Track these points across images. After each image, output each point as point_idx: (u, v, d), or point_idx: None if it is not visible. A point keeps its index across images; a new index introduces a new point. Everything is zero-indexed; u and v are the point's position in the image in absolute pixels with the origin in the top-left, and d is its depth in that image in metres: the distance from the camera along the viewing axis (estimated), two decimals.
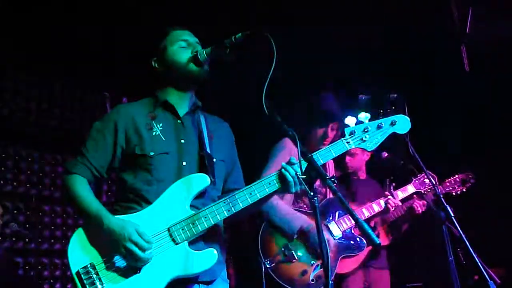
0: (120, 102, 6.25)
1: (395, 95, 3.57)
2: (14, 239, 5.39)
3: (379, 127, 2.61)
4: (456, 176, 4.58)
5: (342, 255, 3.91)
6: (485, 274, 3.10)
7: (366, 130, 2.61)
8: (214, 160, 2.69)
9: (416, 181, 4.39)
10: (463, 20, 4.96)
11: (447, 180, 4.59)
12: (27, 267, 5.50)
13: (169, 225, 2.48)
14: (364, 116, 2.63)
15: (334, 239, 3.88)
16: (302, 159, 2.32)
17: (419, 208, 4.49)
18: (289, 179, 2.50)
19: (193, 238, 2.49)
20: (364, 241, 3.99)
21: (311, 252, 3.66)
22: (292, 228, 3.66)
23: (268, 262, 3.58)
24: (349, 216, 3.95)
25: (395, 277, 4.78)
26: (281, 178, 2.54)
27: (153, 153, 2.58)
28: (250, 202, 2.54)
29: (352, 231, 4.01)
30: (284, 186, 2.54)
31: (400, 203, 4.28)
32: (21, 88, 5.73)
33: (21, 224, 5.42)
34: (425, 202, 4.43)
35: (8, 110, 5.58)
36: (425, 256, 5.86)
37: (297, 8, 5.09)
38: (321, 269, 3.61)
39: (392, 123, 2.62)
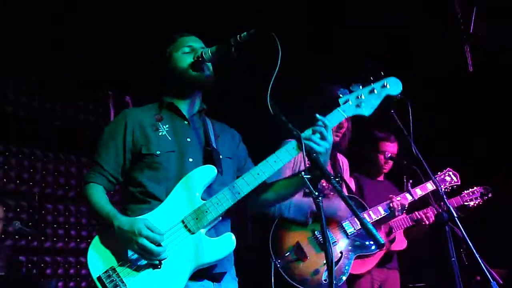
0: (123, 100, 6.27)
1: (398, 95, 3.57)
2: (17, 237, 5.41)
3: (371, 91, 2.64)
4: (475, 188, 4.57)
5: (357, 254, 3.83)
6: (488, 274, 3.09)
7: (359, 97, 2.63)
8: (221, 156, 2.73)
9: (436, 179, 4.32)
10: (467, 20, 4.96)
11: (465, 192, 4.57)
12: (29, 265, 5.51)
13: (183, 217, 2.51)
14: (355, 84, 2.65)
15: (348, 237, 3.81)
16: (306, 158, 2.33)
17: (425, 220, 4.41)
18: (312, 137, 2.53)
19: (208, 226, 2.52)
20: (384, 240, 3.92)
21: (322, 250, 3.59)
22: (304, 213, 3.62)
23: (279, 261, 3.52)
24: (365, 215, 3.92)
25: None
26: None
27: (159, 152, 2.62)
28: (259, 182, 2.57)
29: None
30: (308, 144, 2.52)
31: (405, 203, 4.19)
32: (24, 87, 5.74)
33: (24, 222, 5.43)
34: (429, 214, 4.39)
35: (11, 108, 5.59)
36: (428, 257, 5.86)
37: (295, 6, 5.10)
38: (334, 269, 3.55)
39: (384, 86, 2.65)
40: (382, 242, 2.22)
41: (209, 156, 2.67)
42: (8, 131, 5.55)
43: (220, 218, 2.57)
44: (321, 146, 2.55)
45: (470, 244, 3.08)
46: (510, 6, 4.91)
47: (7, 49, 5.25)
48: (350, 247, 3.81)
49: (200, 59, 2.68)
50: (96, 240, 2.52)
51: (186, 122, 2.76)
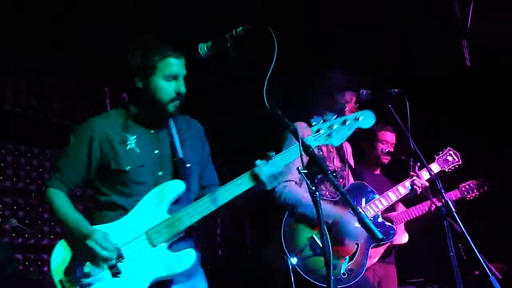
0: (119, 97, 6.24)
1: (396, 90, 3.57)
2: (13, 234, 5.39)
3: (344, 123, 2.65)
4: (471, 181, 4.60)
5: (373, 244, 3.67)
6: (486, 269, 3.09)
7: (331, 127, 2.63)
8: (188, 165, 2.75)
9: (440, 159, 4.32)
10: (465, 15, 4.95)
11: (461, 185, 4.60)
12: (27, 263, 5.50)
13: (147, 229, 2.56)
14: (330, 113, 2.67)
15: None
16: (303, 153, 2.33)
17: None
18: (262, 176, 2.57)
19: (171, 240, 2.58)
20: (394, 227, 3.84)
21: (338, 244, 3.46)
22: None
23: (295, 258, 3.36)
24: (376, 202, 3.82)
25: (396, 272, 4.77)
26: (254, 176, 2.60)
27: (129, 167, 2.65)
28: (224, 202, 2.61)
29: (381, 218, 3.84)
30: (257, 182, 2.60)
31: (427, 184, 4.06)
32: (21, 84, 5.72)
33: (21, 220, 5.42)
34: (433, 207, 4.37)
35: (8, 106, 5.57)
36: (426, 252, 5.86)
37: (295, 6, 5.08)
38: (352, 262, 3.48)
39: (357, 119, 2.66)
40: (380, 236, 2.23)
41: (178, 169, 2.70)
42: (5, 128, 5.53)
43: (182, 234, 2.62)
44: (270, 184, 2.61)
45: (469, 239, 3.07)
46: (508, 3, 4.91)
47: (3, 47, 5.23)
48: (366, 237, 3.62)
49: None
50: (61, 244, 2.59)
51: (152, 131, 2.78)
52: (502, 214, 5.83)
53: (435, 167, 4.28)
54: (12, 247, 5.25)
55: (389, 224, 3.90)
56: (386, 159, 4.74)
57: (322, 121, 2.62)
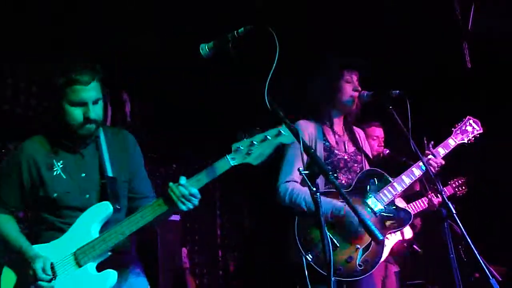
0: (120, 97, 6.25)
1: (397, 91, 3.55)
2: None
3: (263, 140, 2.62)
4: (459, 178, 4.60)
5: (388, 232, 3.61)
6: (487, 271, 3.08)
7: (251, 144, 2.62)
8: (118, 183, 2.79)
9: (457, 131, 3.91)
10: (465, 17, 4.96)
11: (451, 182, 4.60)
12: None
13: (74, 250, 2.66)
14: (256, 130, 2.64)
15: (376, 215, 3.52)
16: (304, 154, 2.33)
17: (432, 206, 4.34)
18: (174, 198, 2.58)
19: (98, 260, 2.67)
20: (411, 213, 3.71)
21: (351, 235, 3.38)
22: (325, 213, 3.35)
23: (309, 254, 3.30)
24: (389, 188, 3.61)
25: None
26: (167, 198, 2.61)
27: (56, 194, 2.71)
28: (142, 225, 2.65)
29: (395, 203, 3.67)
30: (172, 205, 2.62)
31: (443, 162, 3.76)
32: (21, 85, 5.72)
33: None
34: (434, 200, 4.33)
35: (8, 106, 5.57)
36: (426, 254, 5.86)
37: (295, 6, 5.09)
38: (368, 252, 3.40)
39: (278, 134, 2.61)
40: (381, 237, 2.23)
41: (105, 190, 2.74)
42: (5, 128, 5.53)
43: (109, 253, 2.68)
44: (184, 205, 2.60)
45: (469, 241, 3.07)
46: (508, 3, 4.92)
47: (3, 47, 5.23)
48: (379, 226, 3.50)
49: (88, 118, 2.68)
50: (5, 270, 2.74)
51: (79, 155, 2.80)
52: (503, 216, 5.83)
53: (452, 142, 3.89)
54: None
55: (405, 208, 3.76)
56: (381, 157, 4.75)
57: (248, 136, 2.61)
